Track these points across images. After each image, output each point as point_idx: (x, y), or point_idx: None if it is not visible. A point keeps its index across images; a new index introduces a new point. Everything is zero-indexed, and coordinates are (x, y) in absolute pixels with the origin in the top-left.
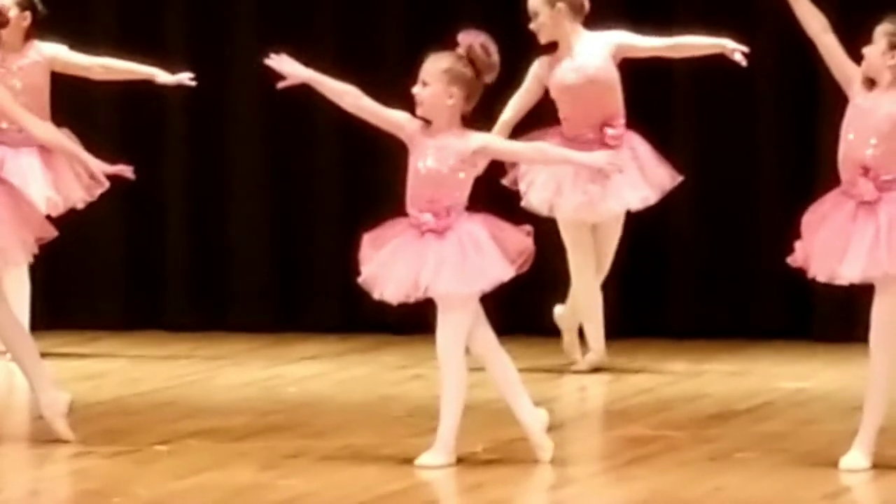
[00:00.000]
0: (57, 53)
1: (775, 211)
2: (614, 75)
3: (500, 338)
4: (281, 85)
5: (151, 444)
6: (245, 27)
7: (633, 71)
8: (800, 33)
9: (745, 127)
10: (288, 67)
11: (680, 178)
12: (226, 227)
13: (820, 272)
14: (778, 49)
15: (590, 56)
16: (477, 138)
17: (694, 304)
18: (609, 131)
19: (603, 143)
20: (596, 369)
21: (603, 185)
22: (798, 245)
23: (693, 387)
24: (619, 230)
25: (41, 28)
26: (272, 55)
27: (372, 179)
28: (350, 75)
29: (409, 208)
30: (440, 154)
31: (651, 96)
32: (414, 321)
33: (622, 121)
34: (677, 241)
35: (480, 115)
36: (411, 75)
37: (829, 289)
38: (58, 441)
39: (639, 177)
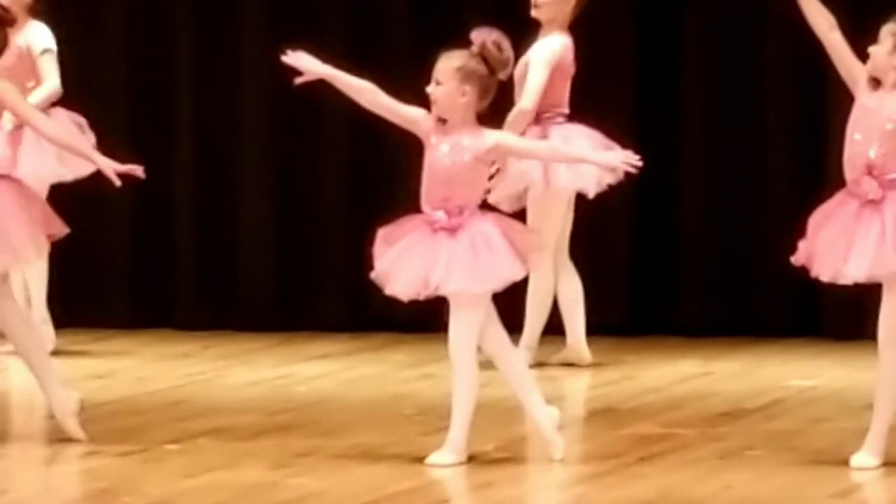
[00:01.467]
0: (30, 44)
1: (784, 210)
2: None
3: (511, 336)
4: (298, 81)
5: (161, 443)
6: (254, 24)
7: (641, 69)
8: (808, 32)
9: (753, 126)
10: (305, 64)
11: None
12: (235, 226)
13: (823, 271)
14: (786, 48)
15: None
16: (491, 136)
17: (703, 302)
18: None
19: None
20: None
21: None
22: (801, 244)
23: (702, 385)
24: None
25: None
26: (288, 52)
27: (380, 178)
28: (361, 74)
29: (424, 205)
30: (454, 152)
31: (659, 96)
32: (423, 319)
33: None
34: (686, 240)
35: (496, 111)
36: (424, 74)
37: (838, 287)
38: (68, 440)
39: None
